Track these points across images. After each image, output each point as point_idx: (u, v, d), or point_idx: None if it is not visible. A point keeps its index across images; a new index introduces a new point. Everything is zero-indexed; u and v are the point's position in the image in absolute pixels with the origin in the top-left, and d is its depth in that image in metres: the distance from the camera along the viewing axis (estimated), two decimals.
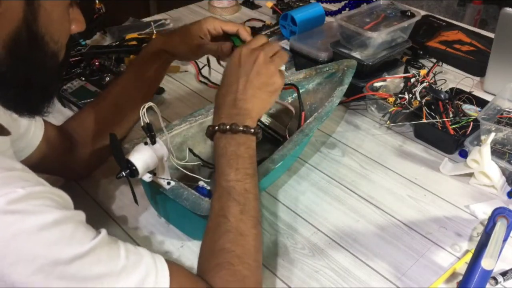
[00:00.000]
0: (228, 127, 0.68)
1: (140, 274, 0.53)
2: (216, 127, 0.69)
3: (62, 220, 0.50)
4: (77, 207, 0.86)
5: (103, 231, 0.55)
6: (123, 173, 0.67)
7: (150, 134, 0.68)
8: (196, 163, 0.87)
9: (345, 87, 0.94)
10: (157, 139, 0.70)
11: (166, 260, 0.57)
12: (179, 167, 0.77)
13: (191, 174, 0.79)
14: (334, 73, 1.00)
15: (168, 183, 0.72)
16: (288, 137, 0.87)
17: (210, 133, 0.70)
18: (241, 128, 0.68)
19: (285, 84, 0.92)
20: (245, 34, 0.88)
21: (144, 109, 0.66)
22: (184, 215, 0.74)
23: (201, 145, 0.91)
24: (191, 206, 0.69)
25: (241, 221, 0.63)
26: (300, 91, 1.00)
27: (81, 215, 0.55)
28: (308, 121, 0.87)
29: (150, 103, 0.67)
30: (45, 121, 0.81)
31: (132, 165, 0.67)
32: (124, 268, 0.52)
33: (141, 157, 0.68)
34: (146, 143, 0.69)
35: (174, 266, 0.58)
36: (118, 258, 0.53)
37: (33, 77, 0.58)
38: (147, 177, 0.70)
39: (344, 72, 0.98)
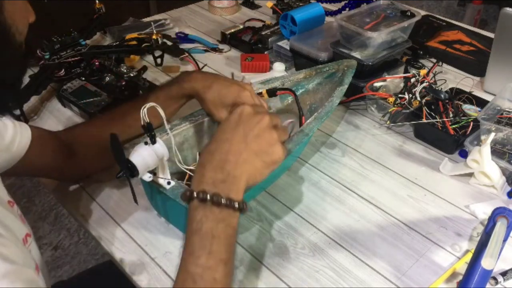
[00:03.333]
0: (209, 197, 0.58)
1: None
2: (195, 194, 0.58)
3: None
4: (77, 207, 0.86)
5: None
6: (123, 173, 0.67)
7: (150, 134, 0.68)
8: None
9: (345, 87, 0.94)
10: (158, 138, 0.70)
11: None
12: (183, 168, 0.76)
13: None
14: (334, 73, 1.00)
15: (168, 183, 0.72)
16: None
17: (187, 198, 0.60)
18: (224, 201, 0.58)
19: (281, 89, 0.93)
20: None
21: (145, 109, 0.66)
22: (184, 215, 0.74)
23: (201, 145, 0.91)
24: None
25: None
26: (300, 91, 1.00)
27: None
28: (308, 121, 0.87)
29: (153, 103, 0.67)
30: (37, 128, 0.81)
31: (132, 165, 0.67)
32: None
33: (141, 157, 0.68)
34: (146, 143, 0.69)
35: None
36: None
37: (2, 73, 0.55)
38: (147, 177, 0.70)
39: (344, 72, 0.98)
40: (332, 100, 0.91)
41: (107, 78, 1.11)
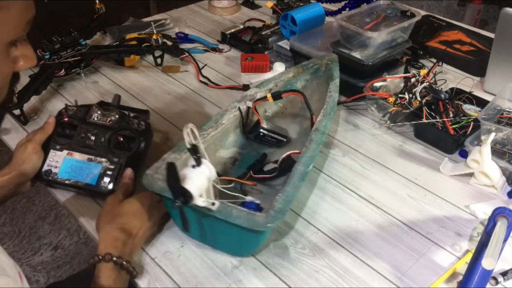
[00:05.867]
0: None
1: None
2: None
3: None
4: (77, 207, 0.86)
5: None
6: (179, 202, 0.64)
7: (197, 156, 0.66)
8: (229, 185, 0.83)
9: (337, 80, 0.95)
10: (203, 159, 0.67)
11: None
12: (224, 190, 0.74)
13: (236, 194, 0.77)
14: (318, 69, 1.01)
15: (213, 204, 0.68)
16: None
17: None
18: None
19: (291, 91, 0.92)
20: None
21: (188, 129, 0.63)
22: (233, 235, 0.72)
23: (212, 157, 0.88)
24: (247, 223, 0.66)
25: None
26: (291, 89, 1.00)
27: None
28: (318, 119, 0.86)
29: (192, 125, 0.63)
30: None
31: (188, 192, 0.64)
32: None
33: (194, 182, 0.65)
34: (194, 166, 0.66)
35: None
36: None
37: None
38: (201, 202, 0.66)
39: (328, 67, 1.00)
40: (331, 95, 0.91)
41: (92, 137, 0.86)
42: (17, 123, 1.05)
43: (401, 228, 0.83)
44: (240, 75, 1.20)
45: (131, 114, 0.90)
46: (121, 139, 0.86)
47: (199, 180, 0.66)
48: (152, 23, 1.35)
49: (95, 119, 0.88)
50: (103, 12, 1.35)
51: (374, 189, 0.90)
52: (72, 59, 1.18)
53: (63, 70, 1.16)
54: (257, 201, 0.77)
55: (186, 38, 1.40)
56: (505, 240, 0.66)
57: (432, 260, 0.77)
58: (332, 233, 0.81)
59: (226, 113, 0.90)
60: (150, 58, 1.28)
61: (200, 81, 1.22)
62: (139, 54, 1.29)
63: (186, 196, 0.64)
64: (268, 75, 1.16)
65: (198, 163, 0.66)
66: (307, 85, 1.02)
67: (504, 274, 0.74)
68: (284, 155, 0.88)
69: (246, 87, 1.17)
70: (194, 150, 0.65)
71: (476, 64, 1.26)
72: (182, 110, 1.11)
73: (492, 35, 1.25)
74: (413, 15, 1.15)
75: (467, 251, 0.78)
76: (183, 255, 0.77)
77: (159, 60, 1.27)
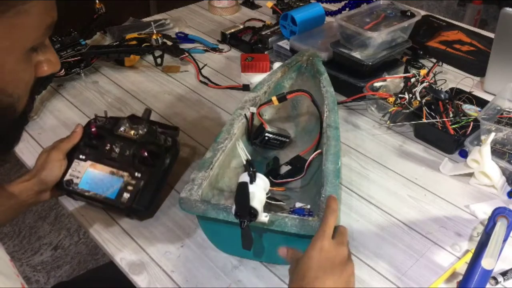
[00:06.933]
0: None
1: None
2: None
3: None
4: (77, 207, 0.86)
5: None
6: (246, 221, 0.63)
7: (253, 171, 0.65)
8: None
9: (326, 74, 0.96)
10: (258, 173, 0.67)
11: None
12: (270, 201, 0.74)
13: (284, 203, 0.77)
14: (301, 66, 1.02)
15: (265, 216, 0.67)
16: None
17: None
18: None
19: (291, 92, 0.91)
20: None
21: (240, 146, 0.62)
22: (283, 243, 0.70)
23: (228, 170, 0.87)
24: (303, 230, 0.66)
25: None
26: (282, 91, 0.99)
27: None
28: (325, 115, 0.86)
29: (241, 143, 0.63)
30: None
31: (254, 210, 0.63)
32: None
33: (257, 198, 0.65)
34: (251, 182, 0.66)
35: None
36: None
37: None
38: (264, 217, 0.65)
39: (311, 62, 1.00)
40: (326, 90, 0.92)
41: (117, 149, 0.84)
42: None
43: (401, 228, 0.83)
44: (240, 75, 1.20)
45: (159, 130, 0.88)
46: (146, 154, 0.81)
47: (259, 195, 0.65)
48: (152, 23, 1.35)
49: (123, 131, 0.85)
50: (103, 12, 1.35)
51: (374, 189, 0.90)
52: (72, 59, 1.18)
53: (63, 70, 1.16)
54: (308, 206, 0.75)
55: (186, 38, 1.40)
56: (505, 240, 0.66)
57: (432, 260, 0.77)
58: None
59: (234, 122, 0.87)
60: (150, 58, 1.28)
61: (200, 81, 1.22)
62: (139, 54, 1.29)
63: (252, 214, 0.63)
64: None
65: (255, 177, 0.66)
66: (294, 84, 1.02)
67: (504, 274, 0.74)
68: (311, 157, 0.85)
69: (246, 87, 1.17)
70: (250, 165, 0.65)
71: (476, 64, 1.26)
72: (182, 110, 1.11)
73: (492, 35, 1.25)
74: (413, 15, 1.15)
75: (467, 251, 0.78)
76: (183, 255, 0.77)
77: (159, 60, 1.27)
